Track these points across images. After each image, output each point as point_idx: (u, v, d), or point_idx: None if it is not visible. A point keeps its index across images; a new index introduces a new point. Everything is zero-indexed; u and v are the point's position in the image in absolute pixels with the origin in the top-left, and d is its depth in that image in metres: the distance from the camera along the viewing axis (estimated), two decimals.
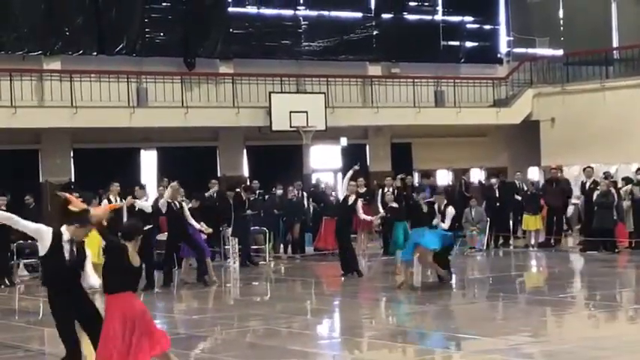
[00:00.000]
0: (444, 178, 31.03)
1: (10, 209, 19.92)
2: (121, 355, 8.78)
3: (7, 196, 19.85)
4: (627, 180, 23.77)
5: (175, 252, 19.33)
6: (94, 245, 17.54)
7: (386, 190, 23.28)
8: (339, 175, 29.47)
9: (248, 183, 24.77)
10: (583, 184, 24.37)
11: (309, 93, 27.65)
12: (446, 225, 17.77)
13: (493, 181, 25.90)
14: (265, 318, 14.90)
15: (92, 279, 9.48)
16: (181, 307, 17.04)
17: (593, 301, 16.42)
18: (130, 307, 8.91)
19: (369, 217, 20.79)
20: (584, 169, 24.85)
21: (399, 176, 24.54)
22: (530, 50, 32.50)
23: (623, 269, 21.16)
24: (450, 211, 17.99)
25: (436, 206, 18.07)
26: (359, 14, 30.03)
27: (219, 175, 26.90)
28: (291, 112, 26.27)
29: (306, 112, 26.44)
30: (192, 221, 18.96)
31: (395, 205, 20.79)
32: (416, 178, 28.20)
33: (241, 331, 13.88)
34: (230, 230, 22.17)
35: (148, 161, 26.86)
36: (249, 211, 22.22)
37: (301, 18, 29.04)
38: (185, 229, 18.73)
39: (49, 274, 9.61)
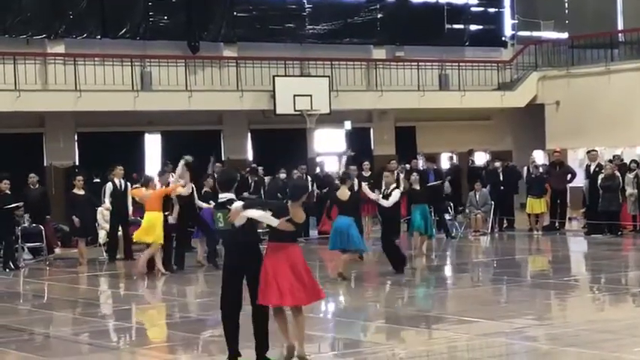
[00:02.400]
0: (448, 161, 30.99)
1: (16, 190, 20.09)
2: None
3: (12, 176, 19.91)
4: (637, 163, 23.60)
5: (187, 235, 19.33)
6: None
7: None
8: (343, 158, 29.46)
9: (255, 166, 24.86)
10: (587, 167, 24.35)
11: (314, 76, 27.59)
12: (387, 203, 17.17)
13: (497, 164, 25.87)
14: None
15: None
16: (189, 290, 17.06)
17: (597, 284, 16.43)
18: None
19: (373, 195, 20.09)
20: (587, 152, 24.80)
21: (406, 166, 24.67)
22: (535, 33, 32.39)
23: (627, 252, 21.14)
24: (396, 194, 17.23)
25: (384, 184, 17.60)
26: None
27: (223, 158, 26.89)
28: (295, 95, 26.23)
29: (310, 95, 26.40)
30: (202, 203, 19.02)
31: (417, 187, 20.16)
32: (420, 162, 28.14)
33: (246, 314, 13.87)
34: None
35: (152, 145, 26.85)
36: (245, 194, 22.20)
37: (305, 1, 28.90)
38: (195, 212, 18.83)
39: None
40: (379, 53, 29.94)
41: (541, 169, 24.79)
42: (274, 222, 9.77)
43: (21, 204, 20.24)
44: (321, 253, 22.46)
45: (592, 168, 23.91)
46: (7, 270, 19.32)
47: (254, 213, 9.75)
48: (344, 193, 16.73)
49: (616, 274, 17.34)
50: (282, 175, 24.47)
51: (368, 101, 28.40)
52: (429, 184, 23.06)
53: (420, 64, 29.33)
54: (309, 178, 24.83)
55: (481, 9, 31.95)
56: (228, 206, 9.84)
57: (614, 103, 27.75)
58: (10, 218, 19.75)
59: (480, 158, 29.15)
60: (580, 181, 25.18)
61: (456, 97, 29.37)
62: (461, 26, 31.46)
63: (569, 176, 24.80)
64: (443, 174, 26.11)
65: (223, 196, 10.06)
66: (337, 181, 17.48)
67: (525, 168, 25.38)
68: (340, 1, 29.54)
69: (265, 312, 10.20)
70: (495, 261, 20.26)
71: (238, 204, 9.81)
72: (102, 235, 21.24)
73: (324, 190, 24.54)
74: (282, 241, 9.94)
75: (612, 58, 29.52)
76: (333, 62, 27.96)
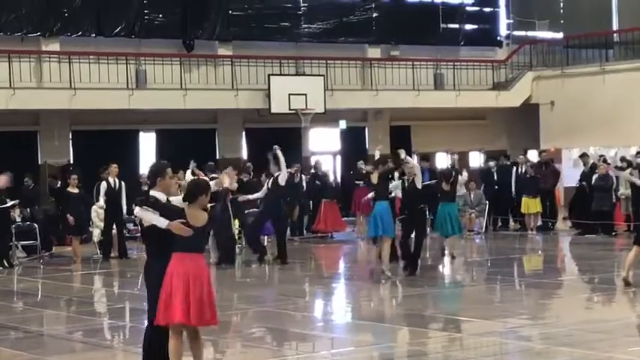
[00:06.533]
0: (443, 161, 31.00)
1: (11, 190, 20.09)
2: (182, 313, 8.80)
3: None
4: (628, 163, 23.65)
5: None
6: None
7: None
8: (338, 157, 29.53)
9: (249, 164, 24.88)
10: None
11: (309, 75, 27.59)
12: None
13: (491, 164, 25.89)
14: (264, 300, 14.92)
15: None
16: None
17: (591, 284, 16.45)
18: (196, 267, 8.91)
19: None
20: (580, 156, 24.82)
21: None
22: (530, 33, 32.41)
23: (620, 252, 21.14)
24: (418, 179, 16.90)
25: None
26: None
27: (217, 157, 26.87)
28: (290, 94, 26.22)
29: (305, 94, 26.39)
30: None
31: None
32: (415, 161, 28.13)
33: (240, 313, 13.90)
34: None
35: (147, 143, 26.84)
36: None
37: (301, 0, 28.93)
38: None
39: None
40: (374, 52, 29.95)
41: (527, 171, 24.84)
42: (163, 223, 8.70)
43: (17, 202, 20.28)
44: (315, 252, 22.49)
45: (585, 170, 23.96)
46: (1, 268, 19.31)
47: (142, 213, 8.90)
48: (375, 177, 16.60)
49: (609, 274, 17.36)
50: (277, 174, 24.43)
51: (363, 100, 28.40)
52: (425, 184, 23.02)
53: (415, 63, 29.34)
54: (304, 177, 24.85)
55: (476, 8, 31.98)
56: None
57: (608, 103, 27.78)
58: (5, 216, 19.75)
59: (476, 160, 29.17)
60: (575, 181, 25.22)
61: (451, 96, 29.39)
62: (456, 26, 31.48)
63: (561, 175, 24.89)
64: (438, 173, 26.08)
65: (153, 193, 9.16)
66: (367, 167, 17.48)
67: (514, 168, 25.33)
68: (335, 0, 29.53)
69: (165, 334, 8.98)
70: (489, 260, 20.28)
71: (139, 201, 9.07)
72: (96, 234, 21.23)
73: (317, 188, 24.54)
74: (187, 250, 8.86)
75: (607, 59, 29.57)
76: (328, 61, 27.96)
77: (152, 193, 9.10)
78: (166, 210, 8.86)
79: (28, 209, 21.69)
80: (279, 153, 19.07)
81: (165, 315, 8.83)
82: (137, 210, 8.97)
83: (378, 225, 16.24)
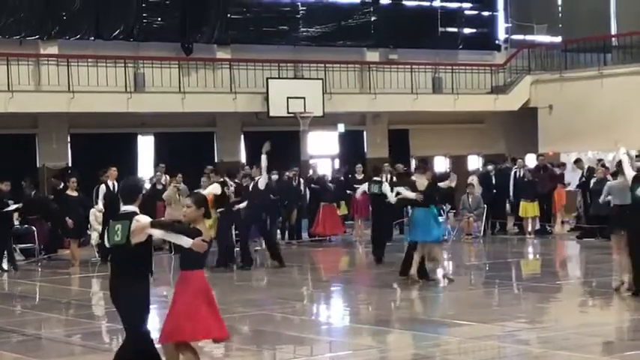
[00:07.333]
0: (441, 164, 31.05)
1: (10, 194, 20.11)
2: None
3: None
4: None
5: None
6: None
7: (384, 177, 23.30)
8: (337, 161, 29.53)
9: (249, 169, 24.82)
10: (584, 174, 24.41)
11: (307, 79, 27.62)
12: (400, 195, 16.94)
13: (489, 168, 25.89)
14: (262, 304, 14.92)
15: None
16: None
17: (589, 287, 16.46)
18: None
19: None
20: (574, 162, 24.84)
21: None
22: (529, 37, 32.47)
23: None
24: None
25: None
26: (357, 0, 29.99)
27: (216, 160, 26.88)
28: (288, 97, 26.25)
29: (304, 98, 26.42)
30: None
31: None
32: (413, 165, 28.17)
33: (238, 316, 13.90)
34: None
35: (145, 146, 26.86)
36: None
37: (299, 3, 28.98)
38: None
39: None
40: (373, 56, 29.97)
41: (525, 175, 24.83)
42: (187, 243, 8.54)
43: (20, 205, 20.29)
44: (313, 255, 22.50)
45: (582, 174, 23.98)
46: (1, 271, 19.31)
47: (166, 235, 8.62)
48: (422, 184, 16.45)
49: (607, 277, 17.35)
50: (274, 177, 24.46)
51: (361, 104, 28.43)
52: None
53: (413, 67, 29.38)
54: (302, 181, 24.86)
55: (475, 12, 32.05)
56: (135, 219, 8.65)
57: (606, 107, 27.81)
58: (8, 220, 19.77)
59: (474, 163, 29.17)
60: (574, 185, 25.24)
61: (450, 100, 29.41)
62: (454, 29, 31.54)
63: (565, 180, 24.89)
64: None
65: (126, 209, 8.78)
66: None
67: (512, 172, 25.32)
68: (334, 3, 29.62)
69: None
70: (487, 264, 20.29)
71: (145, 219, 8.66)
72: (94, 237, 21.24)
73: (315, 190, 24.55)
74: (194, 267, 8.83)
75: (605, 62, 29.59)
76: (327, 65, 27.99)
77: (127, 208, 8.80)
78: (187, 230, 8.66)
79: (34, 191, 21.73)
80: (264, 158, 18.44)
81: (172, 334, 8.83)
82: (159, 233, 8.58)
83: (420, 231, 16.12)
